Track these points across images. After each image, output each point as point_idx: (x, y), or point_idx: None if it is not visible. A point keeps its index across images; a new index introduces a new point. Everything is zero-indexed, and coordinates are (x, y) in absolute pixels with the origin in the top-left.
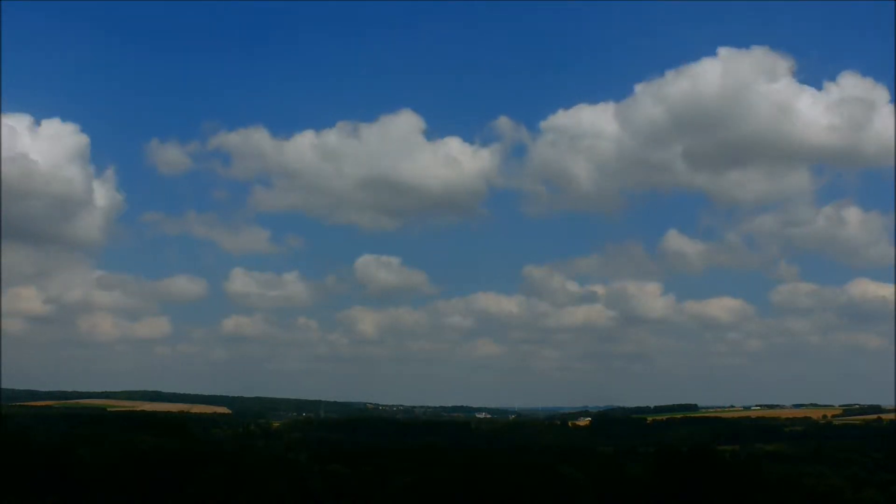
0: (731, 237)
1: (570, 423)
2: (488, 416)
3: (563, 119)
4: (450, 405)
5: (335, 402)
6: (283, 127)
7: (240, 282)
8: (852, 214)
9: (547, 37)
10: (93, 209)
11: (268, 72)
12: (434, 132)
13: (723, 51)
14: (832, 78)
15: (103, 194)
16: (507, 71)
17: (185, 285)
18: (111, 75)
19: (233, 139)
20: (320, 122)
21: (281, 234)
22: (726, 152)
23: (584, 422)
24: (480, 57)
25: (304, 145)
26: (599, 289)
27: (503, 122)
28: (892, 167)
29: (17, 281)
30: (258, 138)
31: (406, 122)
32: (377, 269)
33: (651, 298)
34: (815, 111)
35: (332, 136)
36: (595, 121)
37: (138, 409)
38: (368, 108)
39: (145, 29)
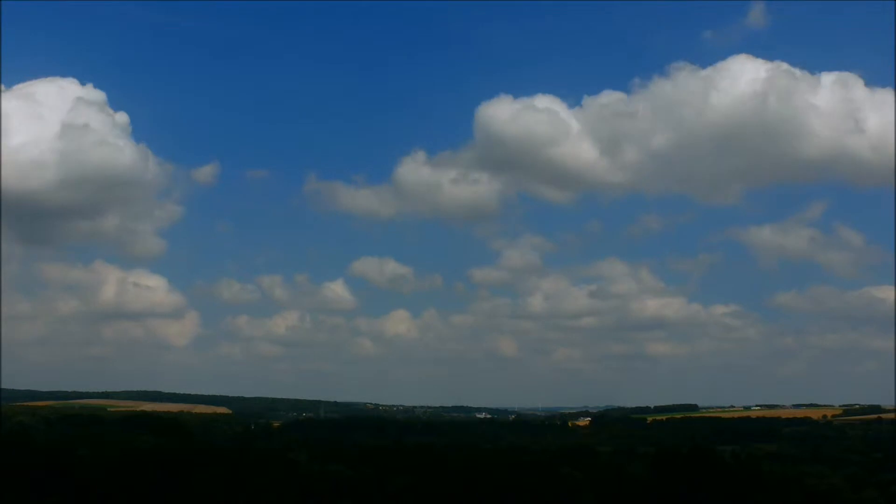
0: (732, 239)
1: (570, 423)
2: (488, 416)
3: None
4: (450, 405)
5: (335, 402)
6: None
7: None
8: (852, 217)
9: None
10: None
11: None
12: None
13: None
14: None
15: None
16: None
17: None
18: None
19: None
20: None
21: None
22: (726, 159)
23: (584, 422)
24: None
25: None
26: (600, 290)
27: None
28: (891, 172)
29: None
30: None
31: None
32: (378, 270)
33: (652, 299)
34: (814, 119)
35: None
36: None
37: (138, 409)
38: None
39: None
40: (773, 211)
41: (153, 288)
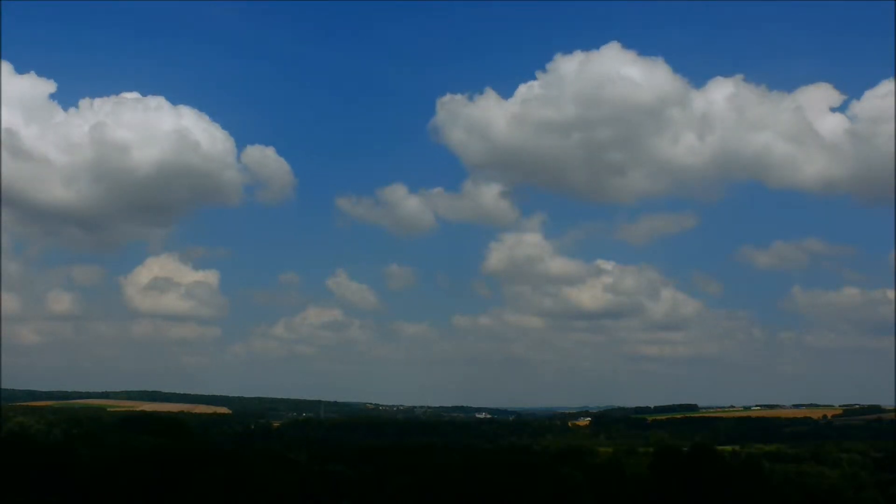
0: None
1: (570, 423)
2: (488, 416)
3: None
4: (450, 405)
5: (335, 402)
6: None
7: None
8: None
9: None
10: None
11: None
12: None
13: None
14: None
15: None
16: None
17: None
18: None
19: None
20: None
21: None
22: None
23: (584, 422)
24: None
25: None
26: (600, 291)
27: None
28: (891, 175)
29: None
30: None
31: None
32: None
33: (653, 300)
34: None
35: None
36: None
37: (138, 409)
38: None
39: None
40: (774, 213)
41: (163, 291)
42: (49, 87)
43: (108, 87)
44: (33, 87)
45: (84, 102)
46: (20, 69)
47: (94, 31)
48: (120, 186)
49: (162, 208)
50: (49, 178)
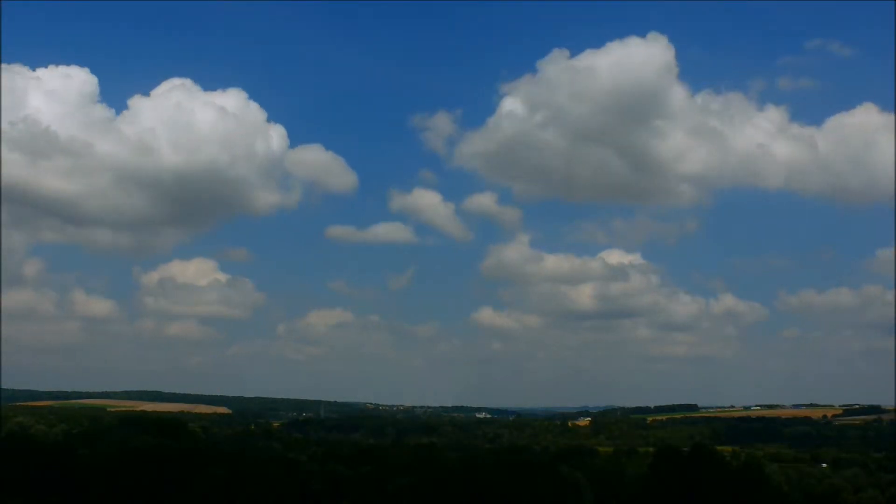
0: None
1: (570, 423)
2: (488, 416)
3: None
4: (450, 405)
5: (335, 402)
6: None
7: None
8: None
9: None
10: None
11: None
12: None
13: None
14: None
15: None
16: None
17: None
18: None
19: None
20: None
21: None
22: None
23: (584, 422)
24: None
25: None
26: (601, 290)
27: None
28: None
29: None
30: None
31: None
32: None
33: (653, 299)
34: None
35: None
36: None
37: (138, 409)
38: None
39: None
40: (773, 215)
41: (169, 291)
42: (90, 86)
43: (145, 87)
44: (73, 85)
45: (121, 102)
46: (62, 65)
47: (136, 29)
48: (145, 188)
49: (186, 212)
50: (79, 178)
